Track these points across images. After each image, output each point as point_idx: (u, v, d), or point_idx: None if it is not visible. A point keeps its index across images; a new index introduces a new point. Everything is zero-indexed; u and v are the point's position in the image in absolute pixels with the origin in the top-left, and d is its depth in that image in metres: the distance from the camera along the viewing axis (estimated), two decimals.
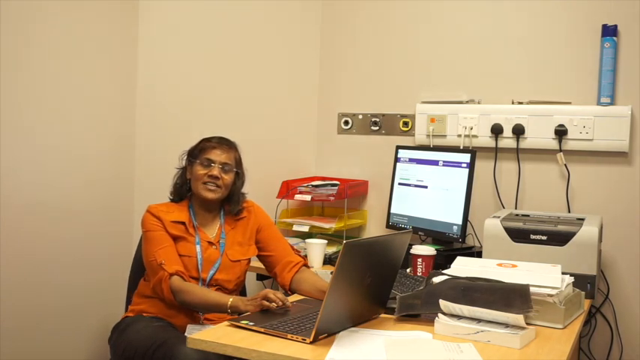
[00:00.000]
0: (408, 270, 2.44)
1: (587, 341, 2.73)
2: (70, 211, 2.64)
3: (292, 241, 2.82)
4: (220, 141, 2.38)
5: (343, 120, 3.24)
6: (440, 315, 1.85)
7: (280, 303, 1.98)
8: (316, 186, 3.05)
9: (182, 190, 2.41)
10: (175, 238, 2.30)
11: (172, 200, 2.41)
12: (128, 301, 2.47)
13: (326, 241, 2.79)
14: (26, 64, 2.46)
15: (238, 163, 2.41)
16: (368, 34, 3.17)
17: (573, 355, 2.22)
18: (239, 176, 2.41)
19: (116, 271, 2.81)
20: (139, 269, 2.40)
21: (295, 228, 3.01)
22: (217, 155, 2.34)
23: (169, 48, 2.93)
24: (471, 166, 2.65)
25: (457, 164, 2.70)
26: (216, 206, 2.40)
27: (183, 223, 2.33)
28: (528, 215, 2.60)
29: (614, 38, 2.65)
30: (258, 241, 2.43)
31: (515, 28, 2.86)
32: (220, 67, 3.04)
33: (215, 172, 2.32)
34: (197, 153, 2.36)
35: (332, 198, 2.97)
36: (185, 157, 2.42)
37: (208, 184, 2.32)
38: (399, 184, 2.95)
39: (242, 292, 2.51)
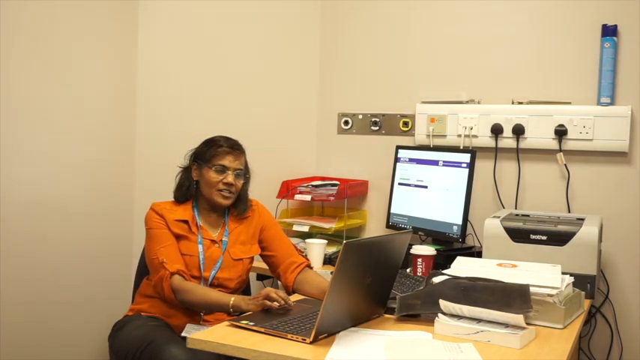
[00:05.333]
0: (408, 270, 2.44)
1: (587, 341, 2.73)
2: (69, 212, 2.65)
3: (292, 241, 2.81)
4: (231, 144, 2.35)
5: (343, 120, 3.24)
6: (440, 315, 1.85)
7: (282, 302, 1.98)
8: (316, 186, 3.05)
9: (189, 192, 2.38)
10: (178, 237, 2.29)
11: (177, 201, 2.40)
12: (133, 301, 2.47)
13: (326, 241, 2.79)
14: (25, 64, 2.46)
15: (247, 166, 2.41)
16: (368, 34, 3.17)
17: (573, 355, 2.22)
18: (247, 180, 2.41)
19: (117, 270, 2.82)
20: (145, 269, 2.39)
21: (295, 228, 3.01)
22: (230, 162, 2.33)
23: (169, 48, 2.93)
24: (471, 166, 2.65)
25: (457, 164, 2.70)
26: (222, 208, 2.40)
27: (186, 222, 2.33)
28: (528, 215, 2.60)
29: (614, 38, 2.65)
30: (262, 240, 2.43)
31: (515, 28, 2.86)
32: (220, 67, 3.04)
33: (230, 179, 2.31)
34: (209, 157, 2.33)
35: (332, 198, 2.97)
36: (191, 158, 2.40)
37: (223, 191, 2.32)
38: (399, 184, 2.95)
39: (246, 292, 2.51)
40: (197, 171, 2.37)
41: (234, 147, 2.35)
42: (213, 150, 2.34)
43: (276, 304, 1.97)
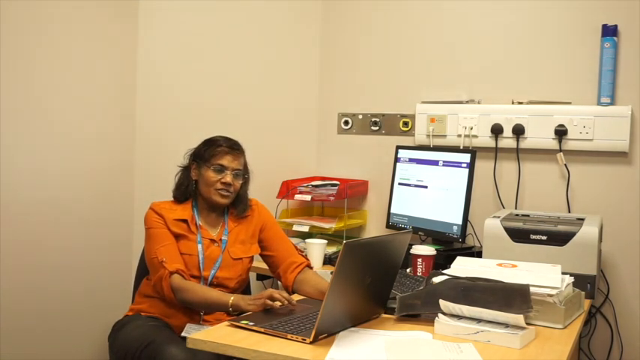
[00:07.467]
0: (408, 270, 2.44)
1: (587, 341, 2.73)
2: (69, 212, 2.64)
3: (292, 241, 2.81)
4: (230, 144, 2.35)
5: (343, 120, 3.24)
6: (440, 315, 1.85)
7: (286, 301, 1.98)
8: (316, 186, 3.05)
9: (187, 191, 2.39)
10: (177, 237, 2.29)
11: (176, 200, 2.40)
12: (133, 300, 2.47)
13: (326, 241, 2.79)
14: (26, 63, 2.46)
15: (246, 166, 2.41)
16: (368, 34, 3.17)
17: (573, 355, 2.22)
18: (246, 180, 2.41)
19: (117, 271, 2.81)
20: (145, 269, 2.39)
21: (295, 228, 3.01)
22: (229, 161, 2.33)
23: (169, 48, 2.93)
24: (471, 166, 2.65)
25: (457, 164, 2.70)
26: (221, 207, 2.40)
27: (185, 221, 2.33)
28: (528, 215, 2.60)
29: (614, 38, 2.65)
30: (262, 240, 2.43)
31: (515, 28, 2.86)
32: (220, 67, 3.04)
33: (228, 178, 2.32)
34: (208, 157, 2.34)
35: (332, 198, 2.97)
36: (190, 158, 2.40)
37: (221, 190, 2.32)
38: (399, 184, 2.95)
39: (247, 292, 2.51)
40: (196, 170, 2.37)
41: (233, 147, 2.35)
42: (212, 149, 2.34)
43: (278, 303, 1.97)
